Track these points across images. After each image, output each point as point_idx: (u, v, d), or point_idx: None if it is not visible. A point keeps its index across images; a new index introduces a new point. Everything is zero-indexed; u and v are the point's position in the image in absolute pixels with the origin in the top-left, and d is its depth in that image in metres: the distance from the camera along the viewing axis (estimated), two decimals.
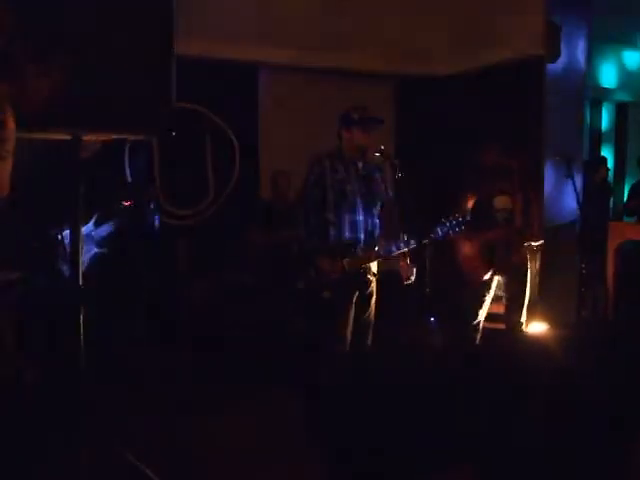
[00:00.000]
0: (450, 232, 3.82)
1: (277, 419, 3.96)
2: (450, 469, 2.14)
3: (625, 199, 7.54)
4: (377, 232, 3.96)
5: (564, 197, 5.60)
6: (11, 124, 2.20)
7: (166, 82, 2.47)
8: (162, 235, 5.04)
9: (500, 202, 4.58)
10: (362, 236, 3.88)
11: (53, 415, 3.39)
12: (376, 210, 3.96)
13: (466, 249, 4.65)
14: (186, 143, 5.63)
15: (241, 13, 5.87)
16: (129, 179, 5.40)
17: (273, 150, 6.27)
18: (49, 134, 2.53)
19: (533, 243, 4.58)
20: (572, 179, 4.77)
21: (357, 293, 3.89)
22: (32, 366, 3.86)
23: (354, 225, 3.87)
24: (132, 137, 2.68)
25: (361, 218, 3.88)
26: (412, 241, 3.78)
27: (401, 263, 3.96)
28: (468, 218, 4.07)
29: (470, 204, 4.71)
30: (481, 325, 4.69)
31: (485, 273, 4.58)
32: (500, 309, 4.88)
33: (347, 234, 3.85)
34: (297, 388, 4.03)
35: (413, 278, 3.97)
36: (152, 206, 4.89)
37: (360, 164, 3.92)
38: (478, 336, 4.67)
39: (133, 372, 4.49)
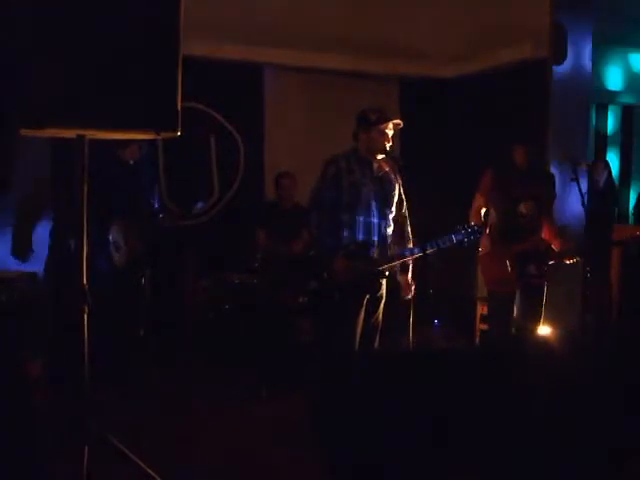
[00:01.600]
0: (466, 240, 3.77)
1: (280, 420, 3.97)
2: (451, 473, 2.14)
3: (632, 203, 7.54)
4: (390, 234, 3.91)
5: (569, 200, 5.58)
6: None
7: (172, 82, 2.47)
8: (166, 235, 5.04)
9: (525, 208, 4.46)
10: (376, 238, 3.83)
11: (53, 414, 3.40)
12: (390, 212, 3.90)
13: (492, 259, 4.50)
14: (191, 143, 5.63)
15: (246, 14, 5.88)
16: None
17: (278, 150, 6.28)
18: (54, 133, 2.53)
19: (567, 261, 4.43)
20: (577, 182, 4.75)
21: (367, 296, 3.84)
22: (35, 364, 3.87)
23: (368, 227, 3.81)
24: (137, 137, 2.67)
25: (375, 220, 3.82)
26: (424, 246, 3.73)
27: (402, 277, 3.93)
28: (482, 227, 3.98)
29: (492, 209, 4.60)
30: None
31: (510, 284, 4.42)
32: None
33: (361, 236, 3.79)
34: (302, 389, 4.03)
35: (411, 295, 3.92)
36: (156, 206, 4.90)
37: (375, 165, 3.87)
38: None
39: (134, 371, 4.50)
